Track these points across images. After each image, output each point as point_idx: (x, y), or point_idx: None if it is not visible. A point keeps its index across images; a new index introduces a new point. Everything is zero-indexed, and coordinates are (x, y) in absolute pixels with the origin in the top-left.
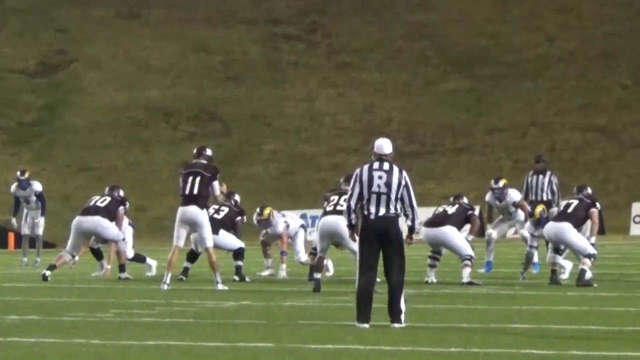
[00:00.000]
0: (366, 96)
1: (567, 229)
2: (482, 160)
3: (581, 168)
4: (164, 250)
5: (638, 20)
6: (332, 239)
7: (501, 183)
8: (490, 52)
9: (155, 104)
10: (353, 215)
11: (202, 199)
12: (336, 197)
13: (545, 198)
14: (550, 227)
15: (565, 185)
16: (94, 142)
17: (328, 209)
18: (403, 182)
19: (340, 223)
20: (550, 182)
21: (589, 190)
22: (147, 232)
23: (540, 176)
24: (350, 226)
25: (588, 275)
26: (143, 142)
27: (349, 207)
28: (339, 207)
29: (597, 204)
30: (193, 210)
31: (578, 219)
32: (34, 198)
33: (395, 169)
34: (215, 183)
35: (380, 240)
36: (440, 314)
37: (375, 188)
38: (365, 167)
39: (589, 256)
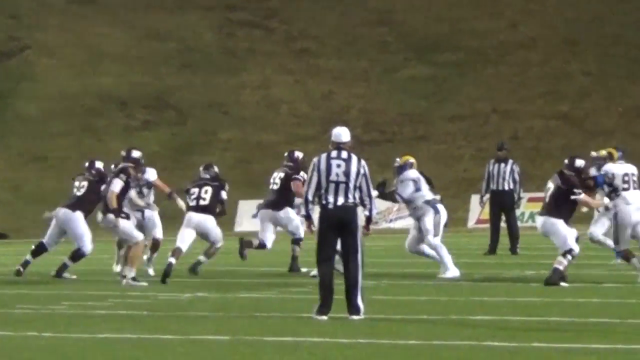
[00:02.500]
0: (324, 84)
1: (552, 222)
2: (442, 149)
3: (544, 156)
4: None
5: (602, 6)
6: (196, 233)
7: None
8: (451, 38)
9: (109, 92)
10: (310, 206)
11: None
12: (197, 190)
13: (507, 187)
14: (538, 220)
15: (528, 174)
16: (46, 131)
17: (191, 203)
18: (362, 171)
19: (208, 221)
20: (512, 170)
21: (580, 163)
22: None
23: (502, 164)
24: (307, 217)
25: (557, 275)
26: (97, 131)
27: (306, 197)
28: (202, 202)
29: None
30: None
31: (558, 209)
32: None
33: (354, 158)
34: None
35: (338, 230)
36: (400, 306)
37: (333, 177)
38: (323, 156)
39: (565, 253)
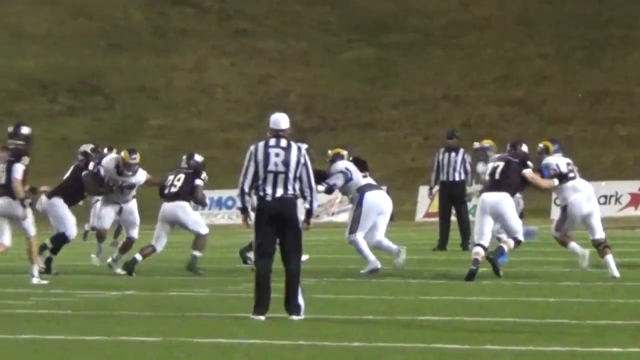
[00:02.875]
0: (262, 66)
1: (509, 201)
2: (388, 136)
3: (498, 145)
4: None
5: None
6: (172, 225)
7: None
8: (399, 18)
9: (31, 75)
10: (247, 198)
11: None
12: (171, 178)
13: (457, 178)
14: (488, 197)
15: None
16: None
17: (165, 191)
18: (302, 161)
19: (178, 209)
20: (463, 160)
21: (525, 148)
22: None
23: (453, 154)
24: (243, 210)
25: (502, 259)
26: (17, 116)
27: (242, 189)
28: (172, 190)
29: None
30: None
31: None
32: None
33: (294, 146)
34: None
35: (277, 223)
36: (343, 305)
37: (271, 167)
38: (261, 144)
39: (515, 241)
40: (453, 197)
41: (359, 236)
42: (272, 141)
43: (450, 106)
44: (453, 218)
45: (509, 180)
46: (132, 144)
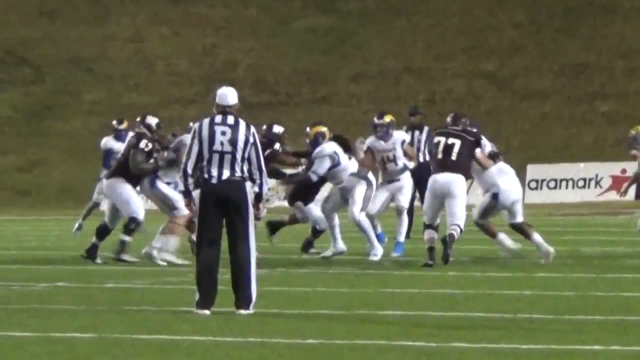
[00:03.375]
0: (206, 36)
1: (462, 182)
2: (346, 113)
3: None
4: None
5: None
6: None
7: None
8: None
9: None
10: (190, 180)
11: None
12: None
13: (422, 159)
14: (440, 178)
15: None
16: None
17: None
18: (251, 140)
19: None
20: (428, 139)
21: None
22: None
23: (417, 132)
24: (187, 193)
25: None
26: None
27: (185, 170)
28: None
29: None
30: None
31: (466, 168)
32: None
33: (242, 124)
34: None
35: (223, 208)
36: (297, 299)
37: (217, 146)
38: (206, 121)
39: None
40: (417, 180)
41: (363, 216)
42: (218, 118)
43: (413, 80)
44: (417, 203)
45: (465, 160)
46: (64, 120)
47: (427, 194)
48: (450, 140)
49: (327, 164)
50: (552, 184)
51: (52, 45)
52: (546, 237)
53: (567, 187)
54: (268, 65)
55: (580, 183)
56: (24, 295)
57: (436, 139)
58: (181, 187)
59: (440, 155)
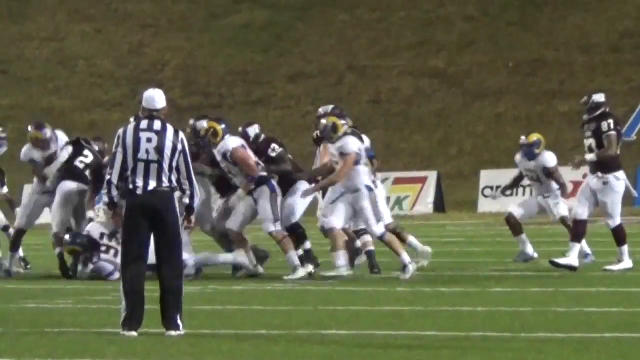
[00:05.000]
0: (132, 34)
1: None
2: (284, 115)
3: (414, 125)
4: None
5: None
6: None
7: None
8: None
9: None
10: (115, 192)
11: None
12: None
13: None
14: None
15: (394, 147)
16: None
17: None
18: (179, 147)
19: None
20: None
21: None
22: None
23: None
24: (112, 205)
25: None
26: None
27: (109, 181)
28: None
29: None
30: None
31: None
32: None
33: (170, 130)
34: None
35: (150, 221)
36: (230, 318)
37: (142, 154)
38: (131, 127)
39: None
40: None
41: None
42: (144, 123)
43: (356, 79)
44: None
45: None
46: None
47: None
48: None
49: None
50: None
51: None
52: (500, 249)
53: (524, 194)
54: (199, 65)
55: None
56: None
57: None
58: (105, 199)
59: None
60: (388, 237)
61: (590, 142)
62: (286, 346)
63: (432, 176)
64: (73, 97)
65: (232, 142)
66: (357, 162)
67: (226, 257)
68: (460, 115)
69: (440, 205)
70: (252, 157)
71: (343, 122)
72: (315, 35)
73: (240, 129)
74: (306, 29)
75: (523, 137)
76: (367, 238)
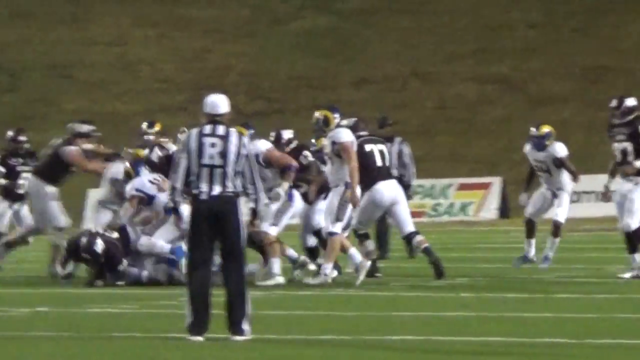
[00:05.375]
0: (196, 39)
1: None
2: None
3: (477, 130)
4: None
5: None
6: None
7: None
8: None
9: None
10: (178, 197)
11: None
12: None
13: (395, 174)
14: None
15: (458, 153)
16: None
17: None
18: (243, 152)
19: None
20: (400, 152)
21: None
22: None
23: (387, 145)
24: (175, 211)
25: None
26: None
27: (173, 186)
28: None
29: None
30: None
31: None
32: None
33: (233, 134)
34: None
35: (215, 226)
36: (296, 323)
37: (206, 159)
38: (194, 132)
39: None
40: None
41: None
42: (208, 128)
43: (420, 85)
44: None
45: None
46: (41, 132)
47: (367, 205)
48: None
49: None
50: (572, 197)
51: (28, 49)
52: (566, 255)
53: (588, 200)
54: (263, 71)
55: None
56: (3, 321)
57: (368, 147)
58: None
59: (380, 163)
60: (334, 239)
61: (625, 145)
62: (352, 351)
63: (496, 182)
64: (136, 102)
65: (262, 145)
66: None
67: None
68: (524, 121)
69: (504, 210)
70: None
71: (336, 115)
72: (379, 41)
73: (272, 134)
74: (370, 34)
75: (533, 129)
76: (420, 237)
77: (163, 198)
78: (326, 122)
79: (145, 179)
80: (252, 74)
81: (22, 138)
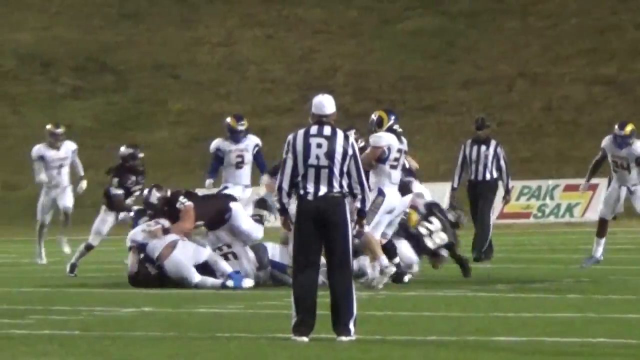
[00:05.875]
0: (303, 39)
1: None
2: (455, 122)
3: (585, 132)
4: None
5: None
6: None
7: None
8: None
9: (29, 50)
10: (285, 198)
11: None
12: None
13: (489, 177)
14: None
15: (564, 154)
16: None
17: None
18: (350, 152)
19: None
20: (496, 155)
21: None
22: (18, 216)
23: (483, 147)
24: (283, 211)
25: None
26: (12, 100)
27: (279, 186)
28: None
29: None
30: None
31: None
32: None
33: (340, 135)
34: None
35: (320, 227)
36: (400, 323)
37: (313, 160)
38: (300, 132)
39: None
40: (473, 198)
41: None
42: (314, 129)
43: (528, 86)
44: (498, 220)
45: None
46: (148, 132)
47: None
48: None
49: None
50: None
51: (135, 50)
52: None
53: None
54: (370, 71)
55: None
56: (108, 321)
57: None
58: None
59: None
60: (367, 236)
61: None
62: (456, 353)
63: (603, 183)
64: (243, 102)
65: None
66: (381, 160)
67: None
68: (632, 122)
69: None
70: None
71: (391, 117)
72: (486, 41)
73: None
74: (477, 35)
75: (617, 127)
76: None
77: (153, 245)
78: (380, 123)
79: (140, 229)
80: (359, 75)
81: (140, 155)
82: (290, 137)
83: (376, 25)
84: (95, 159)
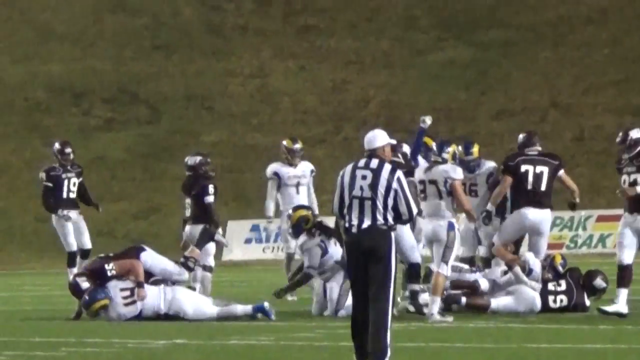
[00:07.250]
0: (336, 70)
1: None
2: (488, 152)
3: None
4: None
5: None
6: None
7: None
8: (498, 11)
9: (61, 81)
10: (342, 223)
11: None
12: None
13: None
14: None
15: (596, 185)
16: None
17: None
18: (394, 186)
19: None
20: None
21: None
22: (50, 248)
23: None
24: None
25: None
26: (45, 132)
27: (336, 212)
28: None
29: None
30: None
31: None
32: None
33: (386, 167)
34: None
35: (366, 258)
36: (432, 355)
37: (357, 191)
38: (350, 165)
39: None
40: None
41: None
42: (362, 162)
43: (559, 116)
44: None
45: (550, 191)
46: (181, 162)
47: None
48: (539, 168)
49: (317, 252)
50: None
51: (168, 81)
52: None
53: None
54: (402, 102)
55: None
56: (141, 354)
57: (523, 168)
58: None
59: (530, 186)
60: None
61: (635, 177)
62: None
63: None
64: (276, 133)
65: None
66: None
67: None
68: None
69: None
70: None
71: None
72: (519, 72)
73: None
74: (510, 66)
75: None
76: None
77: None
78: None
79: (122, 306)
80: (391, 106)
81: (209, 160)
82: (342, 171)
83: (408, 56)
84: (128, 191)
